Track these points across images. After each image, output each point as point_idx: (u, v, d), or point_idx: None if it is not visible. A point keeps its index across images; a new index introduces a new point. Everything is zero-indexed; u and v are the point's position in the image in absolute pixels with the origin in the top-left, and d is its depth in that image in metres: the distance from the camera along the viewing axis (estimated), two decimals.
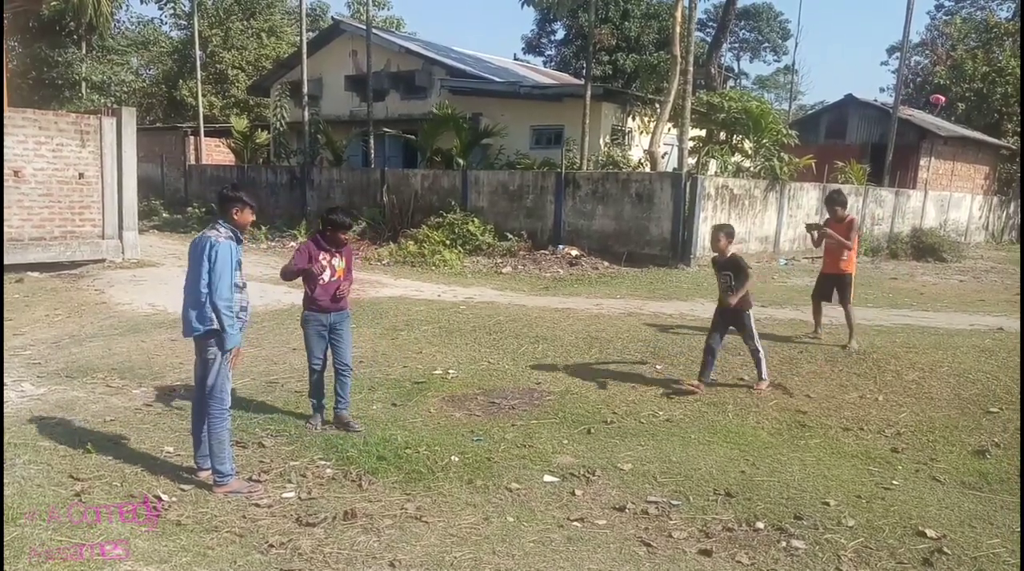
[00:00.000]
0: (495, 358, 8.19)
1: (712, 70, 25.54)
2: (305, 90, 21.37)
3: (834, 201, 8.62)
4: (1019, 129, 29.94)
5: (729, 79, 45.66)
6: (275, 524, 4.30)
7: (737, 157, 17.51)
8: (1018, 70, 30.26)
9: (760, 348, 7.19)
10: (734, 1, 26.29)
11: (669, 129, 17.67)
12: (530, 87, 20.79)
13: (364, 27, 21.32)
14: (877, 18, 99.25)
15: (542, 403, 6.86)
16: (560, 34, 45.76)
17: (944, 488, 5.25)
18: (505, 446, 5.69)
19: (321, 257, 5.82)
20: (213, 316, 4.55)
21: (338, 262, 5.90)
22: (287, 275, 5.94)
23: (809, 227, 8.96)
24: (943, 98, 31.74)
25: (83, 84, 33.15)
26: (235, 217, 4.68)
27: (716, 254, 7.23)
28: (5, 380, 6.74)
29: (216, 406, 4.69)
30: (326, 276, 5.82)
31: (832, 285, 8.65)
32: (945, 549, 4.24)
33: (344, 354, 6.03)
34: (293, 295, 11.22)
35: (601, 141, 18.77)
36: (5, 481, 4.54)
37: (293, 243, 18.34)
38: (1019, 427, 6.20)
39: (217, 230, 4.63)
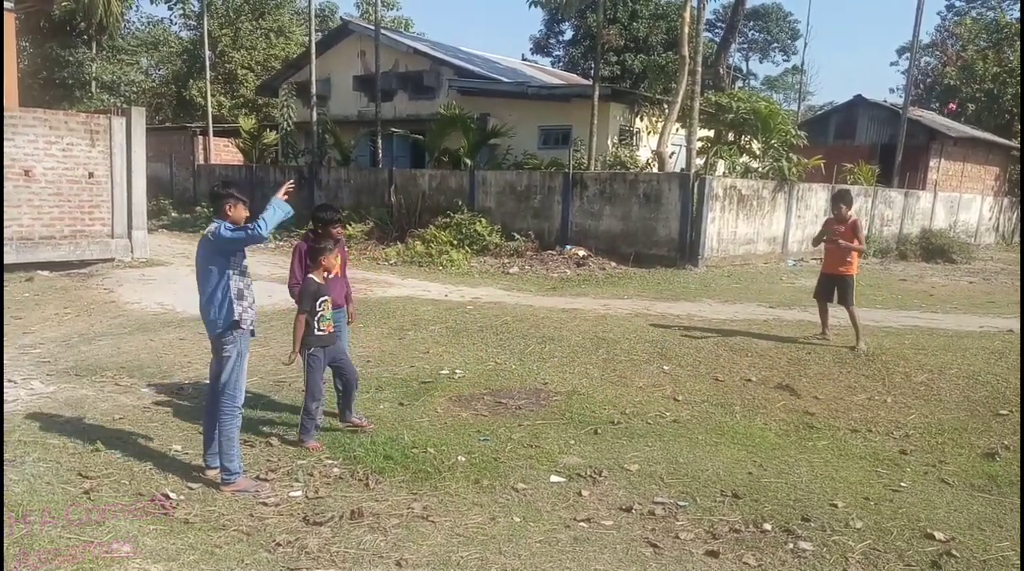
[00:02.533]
0: (502, 358, 8.19)
1: (720, 70, 25.46)
2: (313, 90, 21.42)
3: (840, 199, 8.54)
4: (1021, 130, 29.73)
5: (737, 79, 45.54)
6: (282, 523, 4.32)
7: (745, 158, 17.44)
8: None
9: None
10: (743, 1, 26.21)
11: (677, 129, 17.64)
12: (538, 87, 20.79)
13: (372, 27, 21.39)
14: (887, 18, 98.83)
15: (549, 403, 6.85)
16: (568, 34, 45.83)
17: (953, 490, 5.22)
18: (512, 446, 5.69)
19: None
20: (226, 311, 4.62)
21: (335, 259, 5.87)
22: (295, 291, 5.78)
23: (821, 238, 8.63)
24: (953, 105, 31.81)
25: (93, 84, 33.34)
26: (229, 213, 4.71)
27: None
28: (15, 378, 6.79)
29: (228, 403, 4.73)
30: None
31: (833, 285, 8.58)
32: (954, 552, 4.22)
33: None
34: None
35: (609, 141, 18.75)
36: (15, 479, 4.57)
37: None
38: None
39: (215, 224, 4.70)
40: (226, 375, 4.71)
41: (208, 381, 5.01)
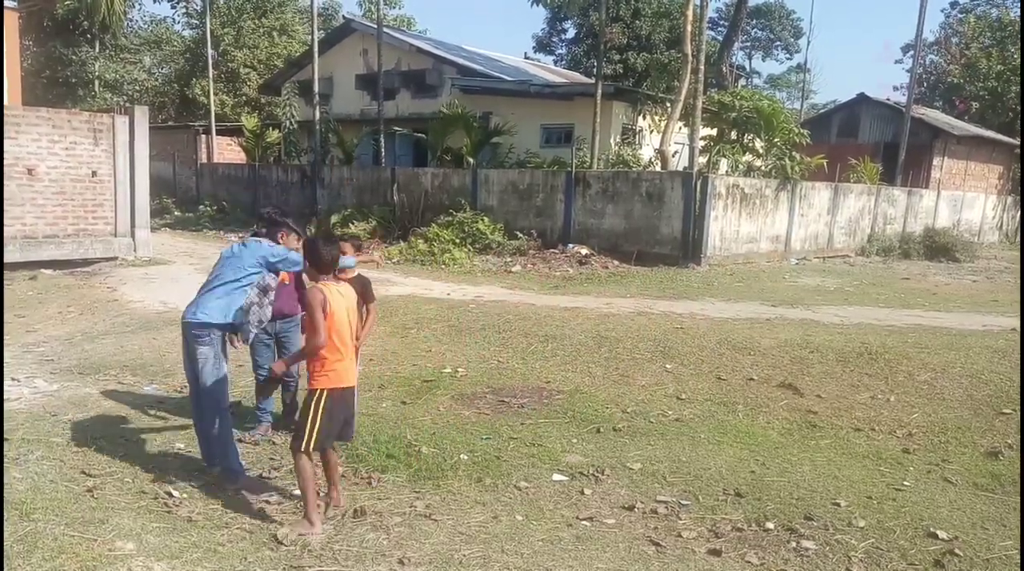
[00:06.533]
0: (504, 357, 8.19)
1: (723, 69, 25.46)
2: (316, 89, 21.42)
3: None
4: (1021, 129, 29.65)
5: (740, 78, 45.45)
6: (285, 521, 4.32)
7: (748, 156, 17.43)
8: None
9: None
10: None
11: (680, 128, 17.61)
12: (541, 86, 20.77)
13: (375, 26, 21.36)
14: (891, 16, 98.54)
15: (551, 402, 6.85)
16: (571, 33, 45.72)
17: (956, 489, 5.21)
18: (514, 445, 5.69)
19: None
20: (236, 310, 4.68)
21: None
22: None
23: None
24: (963, 104, 31.86)
25: (96, 83, 33.41)
26: (280, 241, 4.82)
27: None
28: (19, 377, 6.80)
29: (212, 407, 4.70)
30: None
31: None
32: (957, 551, 4.21)
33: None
34: None
35: (612, 140, 18.73)
36: (19, 477, 4.58)
37: None
38: None
39: (267, 243, 4.83)
40: (204, 378, 4.65)
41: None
